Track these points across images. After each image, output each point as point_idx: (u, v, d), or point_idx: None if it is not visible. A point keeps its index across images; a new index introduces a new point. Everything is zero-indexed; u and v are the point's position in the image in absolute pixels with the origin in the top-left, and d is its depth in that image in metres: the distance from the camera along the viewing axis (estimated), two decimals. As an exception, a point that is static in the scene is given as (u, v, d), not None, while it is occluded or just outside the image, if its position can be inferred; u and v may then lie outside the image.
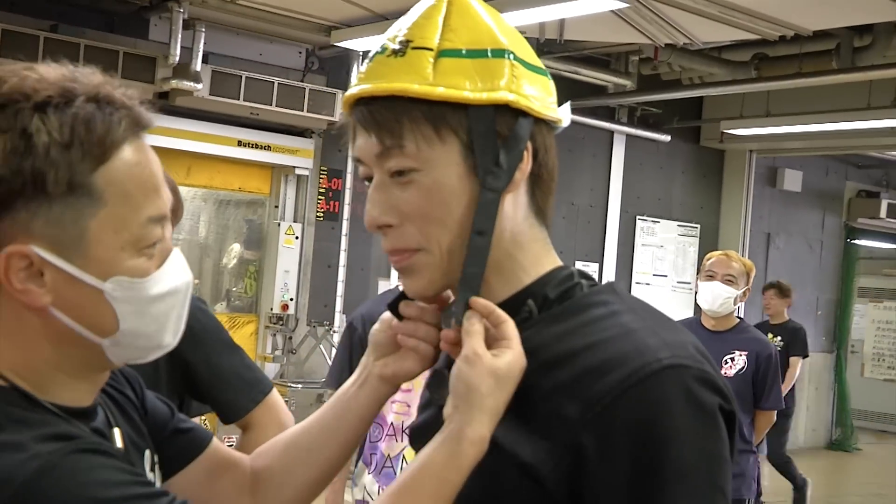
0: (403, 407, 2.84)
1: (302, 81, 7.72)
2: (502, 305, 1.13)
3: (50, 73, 1.03)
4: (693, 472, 1.01)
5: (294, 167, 7.94)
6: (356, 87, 1.14)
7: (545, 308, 1.14)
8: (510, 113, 1.11)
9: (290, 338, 8.02)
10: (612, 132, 9.83)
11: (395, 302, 1.22)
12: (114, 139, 1.02)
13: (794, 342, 8.07)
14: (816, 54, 7.82)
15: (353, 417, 1.27)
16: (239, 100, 7.17)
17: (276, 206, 8.15)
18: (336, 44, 7.23)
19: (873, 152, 11.34)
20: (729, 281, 4.35)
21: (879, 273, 14.33)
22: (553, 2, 5.77)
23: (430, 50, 1.10)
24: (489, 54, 1.11)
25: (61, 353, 1.06)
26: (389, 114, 1.09)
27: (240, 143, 7.61)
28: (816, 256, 11.95)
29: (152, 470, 1.21)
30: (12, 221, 0.99)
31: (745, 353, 4.47)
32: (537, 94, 1.14)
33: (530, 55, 1.16)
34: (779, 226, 11.41)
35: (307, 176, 8.09)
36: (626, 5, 5.87)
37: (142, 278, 1.05)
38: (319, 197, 8.24)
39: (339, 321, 8.18)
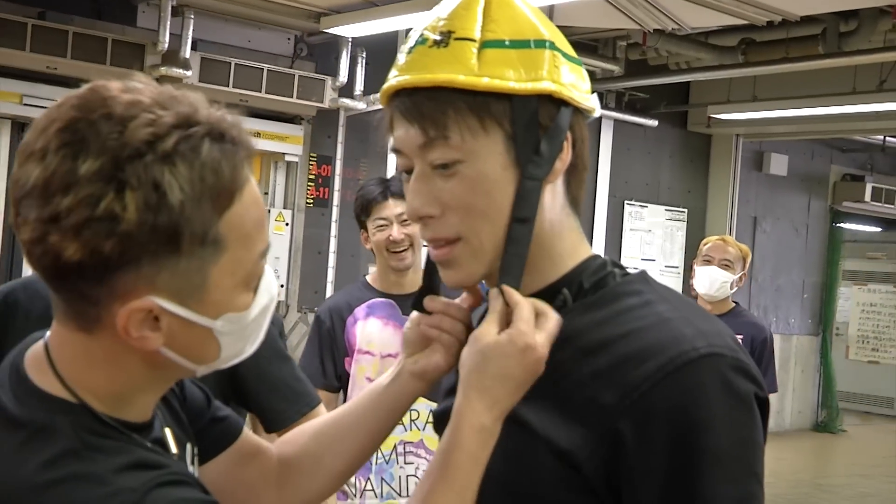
0: None
1: (291, 68, 7.72)
2: (540, 294, 1.15)
3: (165, 112, 0.97)
4: (729, 457, 1.03)
5: (284, 154, 7.93)
6: (397, 78, 1.13)
7: (580, 297, 1.15)
8: (552, 103, 1.12)
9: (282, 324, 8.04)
10: (599, 117, 9.76)
11: (420, 297, 1.23)
12: (239, 184, 0.99)
13: None
14: (803, 39, 7.84)
15: (382, 412, 1.28)
16: (228, 87, 7.16)
17: (266, 193, 8.13)
18: (325, 30, 7.22)
19: (858, 136, 11.41)
20: (726, 265, 4.39)
21: (864, 256, 14.41)
22: (543, -12, 5.79)
23: (473, 41, 1.10)
24: (532, 45, 1.12)
25: (153, 377, 1.05)
26: (434, 104, 1.09)
27: (229, 130, 7.60)
28: (802, 240, 12.02)
29: (192, 463, 1.20)
30: (136, 275, 0.96)
31: (741, 336, 4.52)
32: (576, 83, 1.15)
33: (566, 45, 1.17)
34: (765, 209, 11.47)
35: (297, 162, 8.08)
36: (616, -9, 5.90)
37: (246, 310, 1.04)
38: (309, 183, 8.24)
39: (330, 307, 8.19)
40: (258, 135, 7.71)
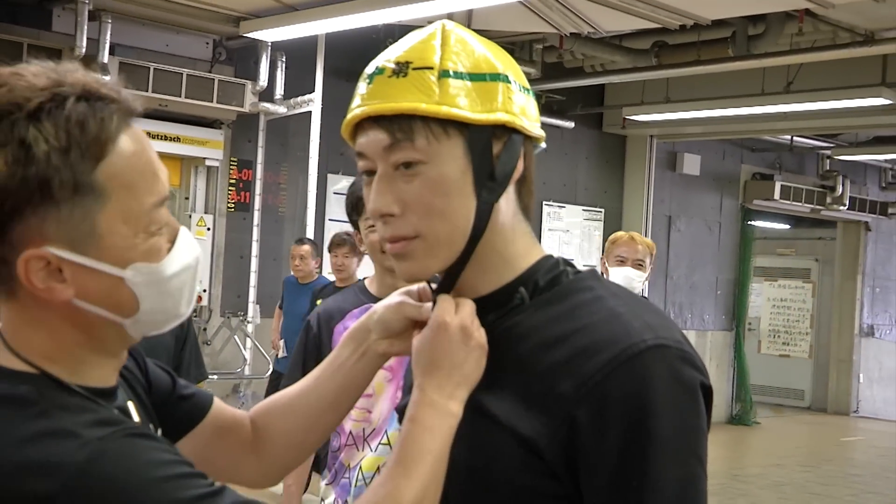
0: (363, 414, 2.66)
1: (210, 72, 7.70)
2: (498, 293, 1.24)
3: (38, 77, 1.05)
4: (675, 441, 1.12)
5: (204, 158, 7.91)
6: (361, 108, 1.19)
7: (536, 294, 1.24)
8: (505, 131, 1.20)
9: (205, 329, 8.01)
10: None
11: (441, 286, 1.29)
12: (109, 135, 1.05)
13: None
14: (713, 42, 8.07)
15: (352, 389, 1.37)
16: (147, 91, 7.12)
17: (187, 198, 8.10)
18: (244, 34, 7.22)
19: (767, 136, 11.77)
20: (639, 265, 4.49)
21: (774, 252, 14.83)
22: (462, -8, 5.88)
23: (432, 69, 1.17)
24: (487, 78, 1.19)
25: (87, 335, 1.11)
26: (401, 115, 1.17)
27: (149, 135, 7.45)
28: (715, 238, 12.32)
29: None
30: (25, 227, 1.02)
31: None
32: (527, 111, 1.23)
33: (520, 77, 1.24)
34: (679, 208, 11.75)
35: (217, 167, 8.07)
36: (533, -4, 6.01)
37: (158, 262, 1.10)
38: (230, 188, 8.22)
39: (253, 311, 8.18)
40: (178, 139, 7.68)
